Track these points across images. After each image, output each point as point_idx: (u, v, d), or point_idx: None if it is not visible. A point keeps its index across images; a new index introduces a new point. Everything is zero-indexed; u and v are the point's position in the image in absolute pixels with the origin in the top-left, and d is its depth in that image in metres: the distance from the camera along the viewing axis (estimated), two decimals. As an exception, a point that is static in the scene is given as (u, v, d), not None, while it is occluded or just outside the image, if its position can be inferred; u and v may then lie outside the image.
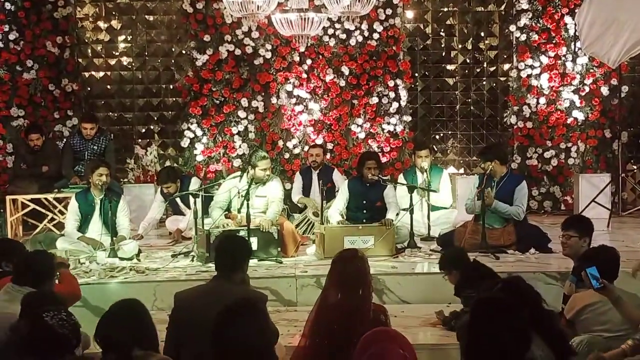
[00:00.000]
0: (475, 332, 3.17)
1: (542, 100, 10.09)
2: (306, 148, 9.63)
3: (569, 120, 10.09)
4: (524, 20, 10.08)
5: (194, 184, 8.36)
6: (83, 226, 7.52)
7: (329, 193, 8.09)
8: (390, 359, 3.04)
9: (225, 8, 8.71)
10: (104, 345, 3.48)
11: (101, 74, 10.55)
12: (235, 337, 3.07)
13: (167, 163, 10.09)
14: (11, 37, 9.75)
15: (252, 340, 3.06)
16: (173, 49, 10.56)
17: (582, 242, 5.22)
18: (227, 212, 7.66)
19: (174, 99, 10.57)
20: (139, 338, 3.52)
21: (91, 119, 9.27)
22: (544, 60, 10.04)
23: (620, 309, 4.33)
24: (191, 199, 7.58)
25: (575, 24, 9.50)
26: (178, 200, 8.48)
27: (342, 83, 9.89)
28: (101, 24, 10.49)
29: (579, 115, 10.05)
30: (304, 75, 9.89)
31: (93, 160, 8.23)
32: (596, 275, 4.32)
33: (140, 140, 10.46)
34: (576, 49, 9.93)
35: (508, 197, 7.47)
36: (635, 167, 10.14)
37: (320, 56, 9.89)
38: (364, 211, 7.87)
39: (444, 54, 10.75)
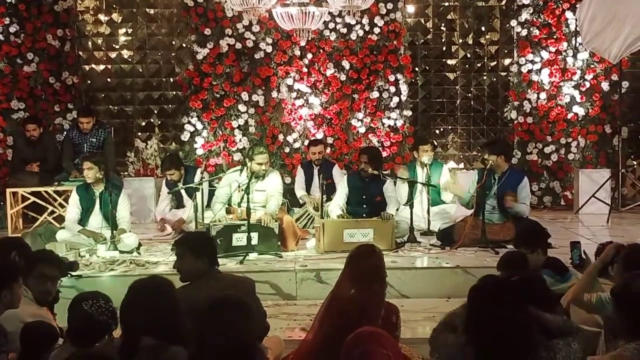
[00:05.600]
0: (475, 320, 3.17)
1: (543, 95, 10.08)
2: (306, 142, 9.61)
3: (570, 116, 10.09)
4: (524, 15, 10.07)
5: (199, 176, 8.37)
6: (84, 219, 7.49)
7: (328, 189, 8.08)
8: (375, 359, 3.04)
9: (226, 1, 8.73)
10: (122, 329, 3.19)
11: (102, 67, 10.55)
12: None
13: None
14: (12, 29, 9.73)
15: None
16: (174, 43, 10.56)
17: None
18: (227, 207, 7.67)
19: (175, 93, 10.57)
20: (152, 325, 3.08)
21: (88, 112, 9.21)
22: (545, 55, 10.03)
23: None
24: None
25: (576, 19, 9.49)
26: (182, 191, 8.48)
27: (343, 77, 9.87)
28: (102, 17, 10.48)
29: (579, 110, 10.05)
30: (305, 70, 9.88)
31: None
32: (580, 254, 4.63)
33: (140, 134, 10.46)
34: (577, 44, 9.92)
35: (510, 192, 7.45)
36: (635, 162, 10.17)
37: (321, 50, 9.87)
38: (364, 206, 7.84)
39: (444, 48, 10.74)
